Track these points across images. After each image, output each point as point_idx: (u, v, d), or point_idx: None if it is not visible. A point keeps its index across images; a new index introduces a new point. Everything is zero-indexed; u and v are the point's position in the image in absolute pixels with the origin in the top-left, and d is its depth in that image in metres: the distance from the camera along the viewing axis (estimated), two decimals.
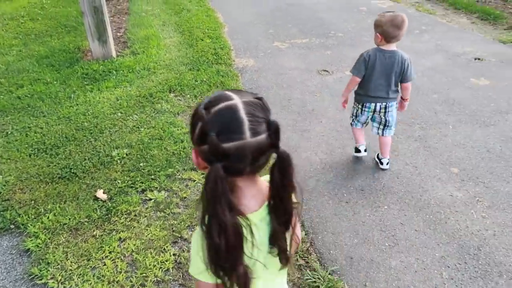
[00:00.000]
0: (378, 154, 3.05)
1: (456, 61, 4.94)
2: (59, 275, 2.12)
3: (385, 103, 2.74)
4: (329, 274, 2.16)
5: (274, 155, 0.92)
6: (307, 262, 2.25)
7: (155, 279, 2.11)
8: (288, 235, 1.02)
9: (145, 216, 2.50)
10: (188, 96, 3.97)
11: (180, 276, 2.13)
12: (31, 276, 2.13)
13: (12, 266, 2.20)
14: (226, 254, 0.89)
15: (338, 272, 2.19)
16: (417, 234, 2.42)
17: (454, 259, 2.26)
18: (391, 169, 2.97)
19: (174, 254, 2.24)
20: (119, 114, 3.58)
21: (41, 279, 2.11)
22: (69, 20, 5.99)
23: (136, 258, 2.21)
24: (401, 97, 2.83)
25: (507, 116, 3.67)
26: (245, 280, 0.95)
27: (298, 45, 5.43)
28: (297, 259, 2.26)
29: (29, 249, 2.27)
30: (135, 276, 2.11)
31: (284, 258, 1.03)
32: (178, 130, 3.37)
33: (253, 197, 0.98)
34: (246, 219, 0.92)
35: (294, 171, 0.95)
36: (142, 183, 2.76)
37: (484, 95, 4.07)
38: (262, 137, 0.88)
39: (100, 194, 2.64)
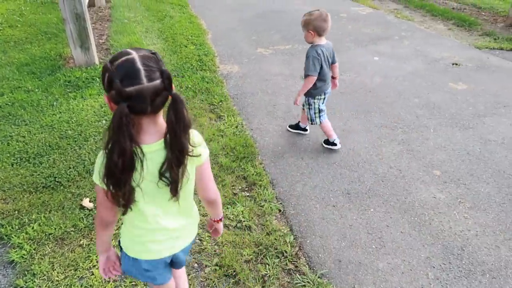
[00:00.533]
0: (327, 140, 3.32)
1: (435, 66, 5.09)
2: (46, 286, 2.08)
3: (329, 87, 3.17)
4: (318, 277, 2.19)
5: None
6: (296, 266, 2.27)
7: (145, 287, 2.09)
8: (180, 171, 1.24)
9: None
10: None
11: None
12: None
13: None
14: (119, 174, 1.13)
15: (327, 275, 2.22)
16: (403, 236, 2.47)
17: (439, 259, 2.32)
18: (375, 173, 3.04)
19: None
20: (104, 121, 3.54)
21: None
22: (50, 27, 5.90)
23: None
24: (333, 77, 3.20)
25: (485, 119, 3.79)
26: (129, 197, 1.21)
27: (281, 51, 5.49)
28: (286, 264, 2.28)
29: (13, 260, 2.22)
30: (124, 285, 2.09)
31: (174, 189, 1.27)
32: None
33: (152, 134, 1.21)
34: (140, 149, 1.14)
35: (187, 112, 1.17)
36: None
37: (462, 99, 4.20)
38: (157, 82, 1.11)
39: (86, 202, 2.60)
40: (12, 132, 3.32)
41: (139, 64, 1.11)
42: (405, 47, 5.76)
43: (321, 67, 2.98)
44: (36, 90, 4.02)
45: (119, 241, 1.50)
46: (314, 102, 3.13)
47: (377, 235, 2.48)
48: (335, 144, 3.27)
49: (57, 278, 2.12)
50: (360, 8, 7.98)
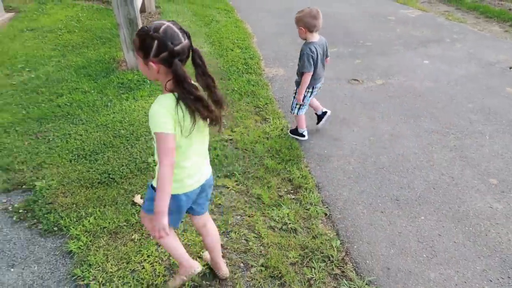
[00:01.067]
0: (295, 130, 3.46)
1: (490, 70, 4.83)
2: (100, 276, 2.18)
3: (323, 78, 3.32)
4: (366, 284, 2.14)
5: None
6: (343, 272, 2.23)
7: (193, 283, 2.14)
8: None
9: (182, 222, 2.55)
10: None
11: (217, 281, 2.16)
12: (74, 277, 2.20)
13: (56, 267, 2.29)
14: (202, 101, 1.51)
15: (375, 283, 2.16)
16: (456, 246, 2.37)
17: (497, 273, 2.19)
18: (426, 180, 2.93)
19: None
20: None
21: (83, 280, 2.17)
22: (104, 32, 6.20)
23: (173, 262, 2.25)
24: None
25: None
26: (212, 113, 1.56)
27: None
28: (333, 268, 2.25)
29: (71, 250, 2.35)
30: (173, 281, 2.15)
31: (217, 125, 1.64)
32: (211, 137, 3.41)
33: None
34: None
35: (203, 57, 1.54)
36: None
37: None
38: (187, 40, 1.48)
39: (137, 199, 2.71)
40: (70, 131, 3.52)
41: (176, 29, 1.46)
42: (457, 50, 5.52)
43: (315, 65, 3.09)
44: (92, 91, 4.24)
45: (150, 185, 1.78)
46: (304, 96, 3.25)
47: (428, 244, 2.39)
48: (304, 136, 3.43)
49: (111, 270, 2.22)
50: (409, 10, 7.75)
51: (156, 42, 1.43)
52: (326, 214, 2.64)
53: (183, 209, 1.78)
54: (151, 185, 1.78)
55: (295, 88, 3.28)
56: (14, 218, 2.63)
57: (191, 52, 1.50)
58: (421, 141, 3.42)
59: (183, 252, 2.02)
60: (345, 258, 2.31)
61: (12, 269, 2.28)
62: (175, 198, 1.68)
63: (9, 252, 2.39)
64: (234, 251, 2.35)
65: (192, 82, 1.50)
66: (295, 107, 3.33)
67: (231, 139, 3.46)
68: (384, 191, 2.83)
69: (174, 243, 1.98)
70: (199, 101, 1.49)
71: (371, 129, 3.61)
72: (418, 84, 4.51)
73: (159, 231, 1.55)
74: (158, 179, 1.52)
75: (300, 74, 3.14)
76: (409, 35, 6.17)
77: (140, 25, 4.67)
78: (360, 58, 5.28)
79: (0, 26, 6.90)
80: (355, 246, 2.39)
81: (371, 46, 5.71)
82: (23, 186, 2.89)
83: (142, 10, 7.28)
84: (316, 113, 3.59)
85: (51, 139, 3.42)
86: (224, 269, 2.15)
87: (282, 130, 3.58)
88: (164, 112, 1.48)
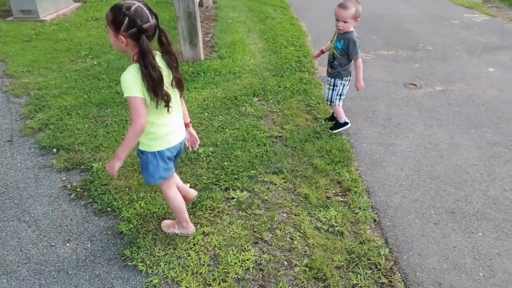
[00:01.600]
0: (336, 124, 3.49)
1: None
2: (148, 259, 2.25)
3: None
4: None
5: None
6: (390, 281, 2.15)
7: (236, 276, 2.15)
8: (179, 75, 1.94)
9: (228, 214, 2.57)
10: (271, 101, 4.02)
11: (260, 277, 2.15)
12: (123, 257, 2.28)
13: (107, 246, 2.39)
14: (158, 82, 1.76)
15: None
16: None
17: None
18: (486, 194, 2.75)
19: (254, 255, 2.27)
20: (206, 114, 3.73)
21: (132, 261, 2.25)
22: (163, 24, 6.34)
23: (218, 253, 2.28)
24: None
25: None
26: (168, 98, 1.84)
27: (384, 56, 5.26)
28: (380, 277, 2.17)
29: (122, 232, 2.44)
30: (217, 271, 2.17)
31: (181, 88, 1.97)
32: (260, 133, 3.43)
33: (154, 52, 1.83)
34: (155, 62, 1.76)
35: (169, 37, 1.84)
36: (226, 181, 2.84)
37: None
38: (155, 20, 1.75)
39: (186, 187, 2.76)
40: (127, 117, 3.66)
41: (145, 9, 1.72)
42: None
43: None
44: None
45: (139, 152, 2.04)
46: (341, 83, 3.28)
47: (485, 262, 2.24)
48: (347, 123, 3.46)
49: (158, 254, 2.28)
50: (475, 15, 7.32)
51: (127, 18, 1.68)
52: (375, 220, 2.55)
53: (168, 162, 2.08)
54: (139, 151, 2.06)
55: (332, 80, 3.30)
56: (72, 196, 2.77)
57: (158, 31, 1.77)
58: (482, 153, 3.21)
59: (184, 212, 2.31)
60: (393, 267, 2.22)
61: (68, 244, 2.41)
62: (161, 153, 2.01)
63: (66, 228, 2.53)
64: (279, 249, 2.33)
65: (154, 59, 1.75)
66: (336, 98, 3.36)
67: (280, 136, 3.44)
68: (438, 202, 2.69)
69: (177, 200, 2.27)
70: (152, 78, 1.73)
71: (427, 136, 3.44)
72: (482, 92, 4.24)
73: (111, 169, 1.92)
74: (127, 134, 1.85)
75: (345, 63, 3.21)
76: (473, 41, 5.83)
77: (198, 19, 4.77)
78: (419, 62, 5.06)
79: (68, 15, 7.33)
80: (404, 256, 2.29)
81: (431, 50, 5.46)
82: (82, 166, 3.05)
83: (200, 4, 7.44)
84: (336, 119, 3.52)
85: (108, 123, 3.58)
86: (192, 191, 2.58)
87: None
88: (133, 79, 1.74)
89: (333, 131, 3.46)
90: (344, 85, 3.30)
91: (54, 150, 3.26)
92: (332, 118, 3.58)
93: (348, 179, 2.88)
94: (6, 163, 3.17)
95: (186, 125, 2.22)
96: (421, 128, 3.57)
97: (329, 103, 3.41)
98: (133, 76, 1.74)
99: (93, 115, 3.72)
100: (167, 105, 1.85)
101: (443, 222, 2.53)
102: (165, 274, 2.16)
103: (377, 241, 2.39)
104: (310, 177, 2.92)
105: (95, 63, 5.01)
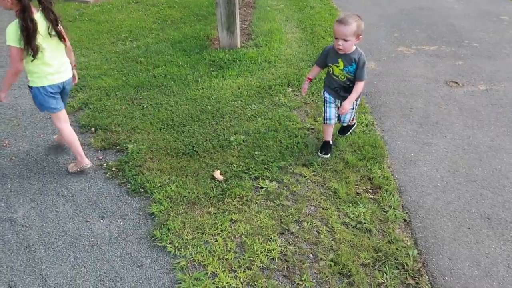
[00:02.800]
0: (343, 129, 3.31)
1: None
2: (177, 242, 2.31)
3: None
4: None
5: None
6: (417, 283, 2.11)
7: (261, 265, 2.17)
8: (59, 28, 2.49)
9: (256, 203, 2.59)
10: None
11: (284, 267, 2.17)
12: (153, 238, 2.36)
13: (139, 225, 2.47)
14: (32, 33, 2.30)
15: None
16: None
17: None
18: None
19: (280, 245, 2.29)
20: (239, 102, 3.75)
21: (161, 242, 2.32)
22: (201, 10, 6.44)
23: (244, 241, 2.31)
24: None
25: None
26: (36, 48, 2.36)
27: (425, 51, 5.08)
28: (406, 277, 2.13)
29: (153, 213, 2.52)
30: (243, 258, 2.20)
31: (59, 38, 2.52)
32: (293, 124, 3.41)
33: (33, 8, 2.33)
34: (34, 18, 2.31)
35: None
36: (256, 170, 2.86)
37: None
38: None
39: (217, 174, 2.81)
40: (162, 101, 3.74)
41: None
42: None
43: None
44: (185, 65, 4.44)
45: (29, 87, 2.61)
46: (358, 102, 3.07)
47: None
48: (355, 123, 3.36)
49: (186, 237, 2.34)
50: None
51: None
52: (405, 220, 2.50)
53: (53, 96, 2.64)
54: (29, 86, 2.61)
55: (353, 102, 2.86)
56: (107, 175, 2.88)
57: None
58: None
59: (77, 146, 2.81)
60: (421, 269, 2.18)
61: (102, 221, 2.51)
62: (44, 88, 2.58)
63: (100, 205, 2.63)
64: (305, 241, 2.34)
65: (32, 14, 2.28)
66: (355, 115, 3.14)
67: (312, 129, 3.41)
68: (474, 206, 2.60)
69: (67, 133, 2.80)
70: (27, 31, 2.27)
71: (466, 137, 3.31)
72: None
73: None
74: (7, 74, 2.49)
75: (358, 82, 2.75)
76: None
77: (237, 6, 4.76)
78: (463, 59, 4.85)
79: None
80: (434, 259, 2.24)
81: (477, 47, 5.21)
82: (117, 147, 3.15)
83: None
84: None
85: (145, 106, 3.66)
86: (86, 159, 2.86)
87: (367, 126, 3.44)
88: (15, 30, 2.28)
89: (344, 135, 3.28)
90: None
91: (93, 129, 3.38)
92: (344, 129, 3.30)
93: (379, 176, 2.83)
94: (47, 139, 3.32)
95: (74, 66, 2.81)
96: (460, 128, 3.44)
97: (346, 124, 3.16)
98: (13, 29, 2.28)
99: (130, 97, 3.82)
100: (34, 55, 2.36)
101: (477, 227, 2.44)
102: (192, 257, 2.22)
103: (406, 241, 2.34)
104: (341, 171, 2.88)
105: (134, 46, 5.12)
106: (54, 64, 2.55)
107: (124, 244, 2.35)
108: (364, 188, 2.76)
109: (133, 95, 3.86)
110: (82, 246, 2.34)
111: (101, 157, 3.06)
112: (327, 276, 2.13)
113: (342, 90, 2.85)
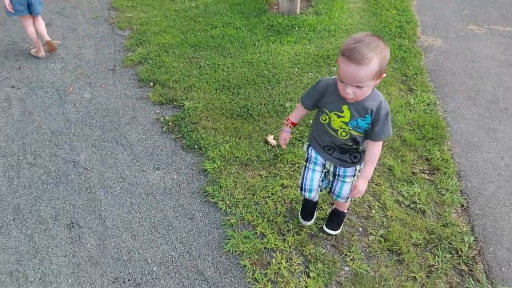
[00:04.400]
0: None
1: None
2: (228, 199, 2.36)
3: None
4: None
5: None
6: (470, 270, 2.04)
7: (310, 232, 2.18)
8: None
9: None
10: None
11: (333, 237, 2.16)
12: (205, 193, 2.42)
13: (192, 180, 2.53)
14: None
15: None
16: None
17: None
18: None
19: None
20: (296, 69, 3.67)
21: (212, 198, 2.38)
22: None
23: (294, 207, 2.31)
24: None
25: None
26: None
27: (499, 32, 4.69)
28: (459, 263, 2.06)
29: (206, 169, 2.57)
30: (292, 223, 2.21)
31: None
32: None
33: None
34: None
35: None
36: None
37: None
38: None
39: (270, 139, 2.80)
40: (219, 62, 3.73)
41: None
42: None
43: None
44: (243, 28, 4.39)
45: None
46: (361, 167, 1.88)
47: None
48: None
49: (237, 196, 2.38)
50: None
51: None
52: (462, 206, 2.40)
53: (21, 4, 3.47)
54: None
55: (350, 169, 1.86)
56: (164, 129, 2.95)
57: None
58: None
59: (36, 41, 3.75)
60: (476, 257, 2.10)
61: (157, 172, 2.60)
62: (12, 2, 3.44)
63: (156, 157, 2.72)
64: (355, 214, 2.31)
65: None
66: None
67: None
68: None
69: (29, 31, 3.69)
70: None
71: None
72: None
73: None
74: None
75: (378, 141, 1.69)
76: None
77: None
78: None
79: None
80: (491, 248, 2.14)
81: None
82: (174, 103, 3.20)
83: None
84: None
85: (202, 65, 3.68)
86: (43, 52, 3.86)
87: (428, 105, 3.27)
88: None
89: (336, 232, 2.16)
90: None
91: (151, 83, 3.46)
92: (334, 214, 2.19)
93: (438, 158, 2.71)
94: (108, 89, 3.44)
95: None
96: None
97: (344, 201, 1.97)
98: None
99: (188, 56, 3.84)
100: None
101: None
102: (242, 216, 2.26)
103: (461, 227, 2.25)
104: (397, 149, 2.79)
105: (193, 5, 5.10)
106: None
107: (177, 196, 2.43)
108: (420, 168, 2.66)
109: (190, 54, 3.88)
110: (138, 193, 2.45)
111: (158, 111, 3.14)
112: (376, 251, 2.10)
113: (337, 151, 1.81)
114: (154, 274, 2.01)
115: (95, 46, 4.10)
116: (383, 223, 2.26)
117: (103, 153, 2.74)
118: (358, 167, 1.86)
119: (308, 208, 2.19)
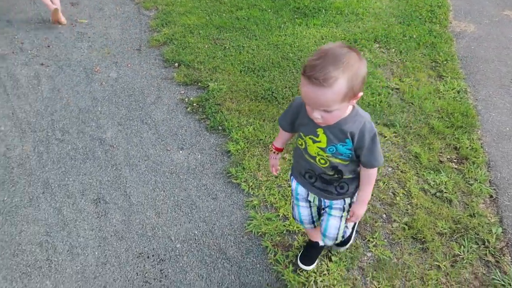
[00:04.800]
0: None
1: None
2: (251, 181, 2.36)
3: None
4: None
5: None
6: (497, 262, 2.00)
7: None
8: None
9: None
10: (393, 50, 3.73)
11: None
12: (228, 174, 2.43)
13: (215, 161, 2.55)
14: None
15: None
16: None
17: None
18: None
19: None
20: None
21: (236, 179, 2.39)
22: None
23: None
24: None
25: None
26: None
27: None
28: (486, 254, 2.02)
29: (230, 151, 2.58)
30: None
31: None
32: (376, 82, 3.23)
33: None
34: None
35: None
36: None
37: None
38: None
39: None
40: (244, 43, 3.70)
41: None
42: None
43: None
44: (269, 10, 4.32)
45: None
46: (352, 201, 1.61)
47: None
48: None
49: (260, 178, 2.38)
50: None
51: None
52: (491, 196, 2.34)
53: None
54: None
55: (338, 202, 1.59)
56: (188, 109, 2.97)
57: None
58: None
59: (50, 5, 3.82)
60: (504, 249, 2.05)
61: (181, 151, 2.62)
62: None
63: (180, 137, 2.74)
64: (379, 200, 2.28)
65: None
66: (348, 226, 1.83)
67: (397, 88, 3.21)
68: None
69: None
70: None
71: None
72: None
73: None
74: None
75: (355, 168, 1.48)
76: None
77: None
78: None
79: None
80: None
81: None
82: (199, 84, 3.21)
83: None
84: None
85: (226, 47, 3.66)
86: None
87: (458, 92, 3.17)
88: None
89: (343, 248, 2.01)
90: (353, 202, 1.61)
91: (176, 64, 3.46)
92: (310, 245, 1.98)
93: (467, 147, 2.64)
94: (134, 69, 3.46)
95: None
96: None
97: (331, 242, 1.71)
98: None
99: (213, 37, 3.82)
100: None
101: None
102: (265, 198, 2.27)
103: (489, 218, 2.20)
104: (424, 136, 2.72)
105: None
106: None
107: (200, 176, 2.45)
108: (448, 157, 2.59)
109: (215, 35, 3.85)
110: (162, 172, 2.48)
111: (183, 92, 3.15)
112: (399, 238, 2.08)
113: (318, 180, 1.54)
114: (177, 251, 2.05)
115: (121, 25, 4.12)
116: (407, 210, 2.23)
117: (128, 132, 2.78)
118: (347, 200, 1.57)
119: (310, 250, 1.92)
